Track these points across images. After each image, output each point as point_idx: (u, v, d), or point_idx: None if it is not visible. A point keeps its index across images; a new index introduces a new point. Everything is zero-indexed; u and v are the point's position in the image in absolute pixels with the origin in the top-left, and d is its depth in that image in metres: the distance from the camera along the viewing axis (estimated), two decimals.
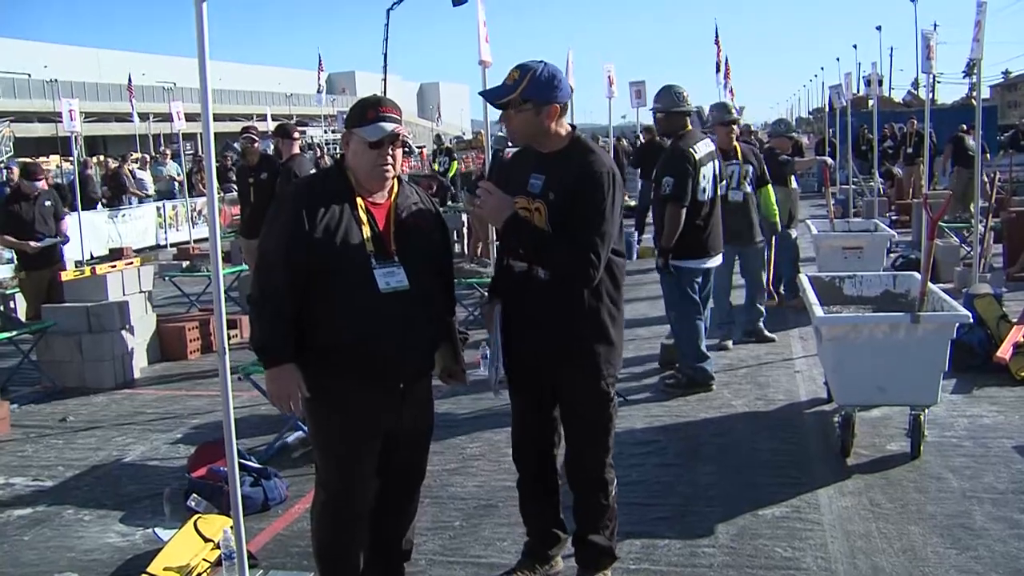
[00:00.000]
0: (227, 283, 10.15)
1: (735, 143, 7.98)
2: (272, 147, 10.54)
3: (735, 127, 8.14)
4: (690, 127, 6.83)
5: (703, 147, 6.73)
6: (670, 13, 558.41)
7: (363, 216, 3.27)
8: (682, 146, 6.63)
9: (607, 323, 3.60)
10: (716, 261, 6.84)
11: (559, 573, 3.98)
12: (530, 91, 3.48)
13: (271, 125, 24.28)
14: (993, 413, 6.01)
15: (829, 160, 12.66)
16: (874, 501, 4.70)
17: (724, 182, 7.09)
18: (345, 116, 3.47)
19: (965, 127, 17.99)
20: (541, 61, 3.54)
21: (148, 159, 23.89)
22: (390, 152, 3.27)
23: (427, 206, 3.52)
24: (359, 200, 3.29)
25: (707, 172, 6.66)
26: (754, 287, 8.40)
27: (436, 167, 22.52)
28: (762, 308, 8.44)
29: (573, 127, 3.67)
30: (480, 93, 3.80)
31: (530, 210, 3.52)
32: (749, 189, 7.98)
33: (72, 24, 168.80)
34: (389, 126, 3.24)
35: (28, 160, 11.20)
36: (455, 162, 22.86)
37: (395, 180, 3.39)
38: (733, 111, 8.33)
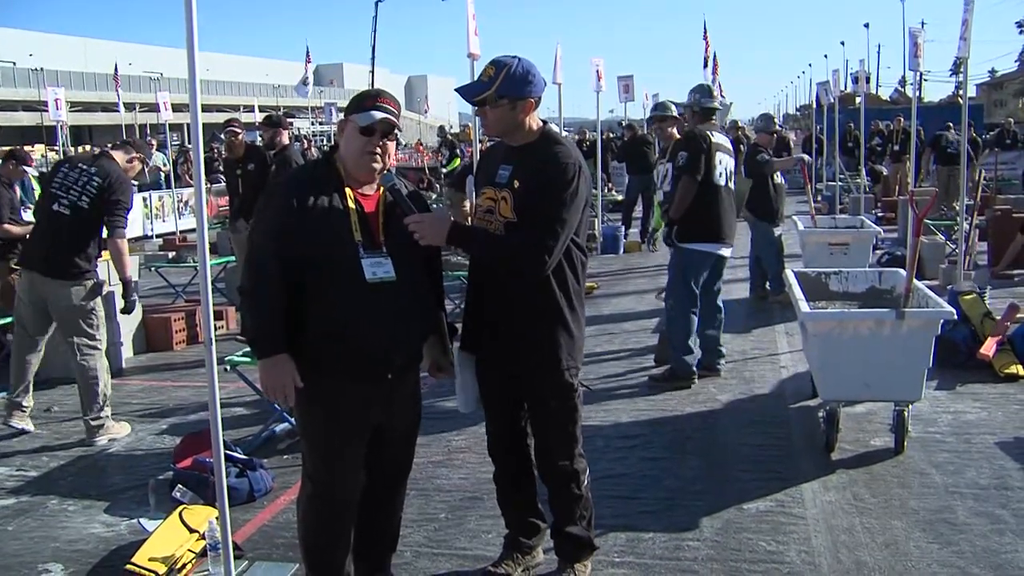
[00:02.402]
0: (213, 274, 10.11)
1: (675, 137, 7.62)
2: (259, 137, 10.51)
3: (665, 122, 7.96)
4: (714, 122, 7.16)
5: (719, 137, 7.04)
6: (658, 11, 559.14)
7: (352, 206, 3.27)
8: (697, 130, 6.92)
9: (568, 316, 3.62)
10: (726, 251, 6.93)
11: (540, 564, 4.00)
12: (505, 87, 3.50)
13: (258, 116, 24.19)
14: (976, 409, 6.06)
15: (806, 157, 12.70)
16: (858, 496, 4.73)
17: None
18: (336, 107, 3.48)
19: (951, 124, 18.06)
20: (515, 56, 3.56)
21: None
22: (380, 143, 3.27)
23: (416, 198, 3.51)
24: (348, 190, 3.29)
25: (722, 159, 6.88)
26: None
27: (441, 161, 21.63)
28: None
29: (544, 122, 3.69)
30: (456, 89, 3.80)
31: (496, 199, 3.57)
32: (668, 189, 7.21)
33: (59, 13, 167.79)
34: (380, 115, 3.25)
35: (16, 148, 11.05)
36: (456, 158, 20.56)
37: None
38: (670, 107, 8.10)
